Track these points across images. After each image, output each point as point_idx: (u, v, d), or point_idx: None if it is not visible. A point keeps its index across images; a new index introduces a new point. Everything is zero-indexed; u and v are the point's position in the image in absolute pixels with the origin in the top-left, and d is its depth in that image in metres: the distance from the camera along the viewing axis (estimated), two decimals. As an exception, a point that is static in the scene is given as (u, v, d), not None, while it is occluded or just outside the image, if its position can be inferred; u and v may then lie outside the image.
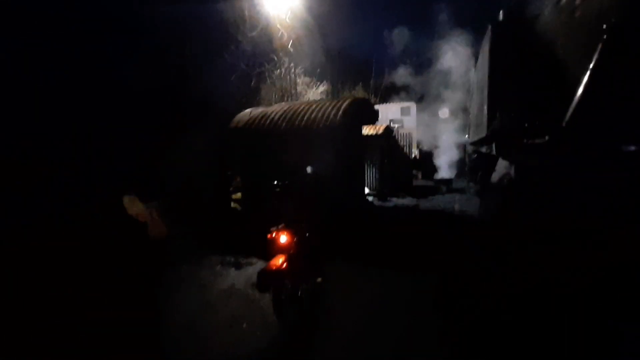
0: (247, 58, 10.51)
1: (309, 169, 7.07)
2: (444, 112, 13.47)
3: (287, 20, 10.48)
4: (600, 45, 2.69)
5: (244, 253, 5.32)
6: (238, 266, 4.90)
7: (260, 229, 4.97)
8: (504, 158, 2.81)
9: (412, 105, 15.61)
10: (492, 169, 4.48)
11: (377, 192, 10.36)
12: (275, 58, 11.34)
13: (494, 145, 3.38)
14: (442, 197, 10.40)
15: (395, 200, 9.93)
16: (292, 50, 10.94)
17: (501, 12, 4.85)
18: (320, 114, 6.73)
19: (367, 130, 10.27)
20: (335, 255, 4.34)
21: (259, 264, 4.89)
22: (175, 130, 7.84)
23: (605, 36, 2.65)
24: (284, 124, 7.00)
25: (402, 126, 15.10)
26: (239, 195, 8.39)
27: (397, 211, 8.43)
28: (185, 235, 6.06)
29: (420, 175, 13.37)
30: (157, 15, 8.39)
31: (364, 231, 6.07)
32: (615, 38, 2.60)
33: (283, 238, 3.24)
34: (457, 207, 8.71)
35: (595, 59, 2.69)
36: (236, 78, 10.25)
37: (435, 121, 13.57)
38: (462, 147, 11.68)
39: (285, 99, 11.27)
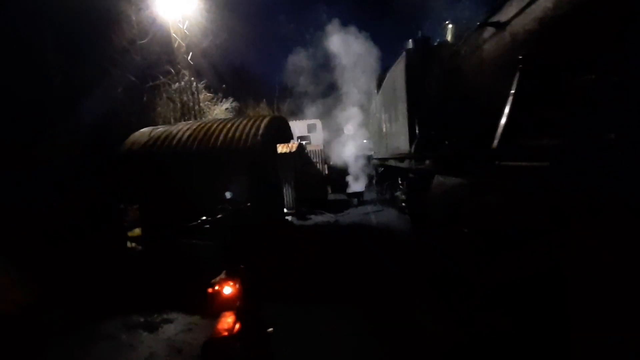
0: (136, 69, 8.99)
1: (228, 195, 6.33)
2: (348, 128, 14.29)
3: (185, 30, 9.45)
4: (518, 73, 3.01)
5: (155, 307, 4.26)
6: (152, 327, 3.85)
7: (175, 272, 4.04)
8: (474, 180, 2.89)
9: (318, 122, 16.12)
10: (421, 184, 4.74)
11: (295, 212, 10.09)
12: (173, 70, 10.06)
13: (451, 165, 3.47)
14: (356, 210, 10.82)
15: (315, 218, 9.84)
16: (192, 62, 9.86)
17: (410, 40, 5.27)
18: (238, 134, 6.12)
19: (281, 148, 9.98)
20: (272, 294, 3.81)
21: (181, 319, 3.96)
22: (40, 155, 6.02)
23: (521, 65, 2.99)
24: (195, 145, 6.11)
25: (309, 142, 15.39)
26: (137, 231, 6.95)
27: (320, 230, 8.30)
28: (65, 297, 4.56)
29: (330, 190, 13.75)
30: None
31: (294, 258, 5.68)
32: (529, 66, 2.94)
33: (228, 290, 2.60)
34: (373, 218, 9.12)
35: (516, 86, 2.99)
36: (123, 91, 8.65)
37: (340, 137, 14.27)
38: (369, 161, 12.51)
39: (188, 116, 10.08)
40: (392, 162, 8.02)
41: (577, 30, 2.34)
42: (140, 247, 6.51)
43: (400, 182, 9.11)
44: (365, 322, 3.47)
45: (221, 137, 6.19)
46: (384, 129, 8.25)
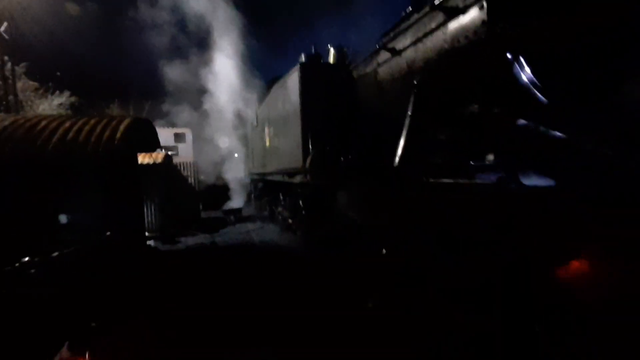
0: None
1: (63, 219, 4.74)
2: (224, 140, 13.28)
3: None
4: (412, 97, 3.24)
5: None
6: None
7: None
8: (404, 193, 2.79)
9: (188, 132, 14.40)
10: (318, 199, 4.61)
11: (160, 234, 8.48)
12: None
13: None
14: (235, 228, 9.98)
15: (186, 241, 8.50)
16: (6, 37, 6.93)
17: (303, 55, 5.22)
18: (85, 136, 4.62)
19: (142, 158, 8.30)
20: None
21: None
22: None
23: (415, 90, 3.23)
24: (9, 148, 4.25)
25: (176, 154, 13.58)
26: None
27: (194, 255, 7.15)
28: None
29: (202, 207, 12.38)
30: None
31: (164, 302, 4.37)
32: (421, 91, 3.21)
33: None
34: (255, 236, 8.56)
35: (412, 108, 3.21)
36: None
37: (214, 149, 13.11)
38: (247, 176, 11.90)
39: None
40: (277, 177, 7.76)
41: (468, 63, 2.67)
42: None
43: (282, 197, 8.93)
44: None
45: (55, 139, 4.54)
46: (268, 143, 7.95)
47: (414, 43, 3.18)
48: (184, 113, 14.76)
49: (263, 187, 10.54)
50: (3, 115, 5.27)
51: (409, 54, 3.28)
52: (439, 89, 3.08)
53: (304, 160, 4.79)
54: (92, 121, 5.07)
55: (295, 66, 4.96)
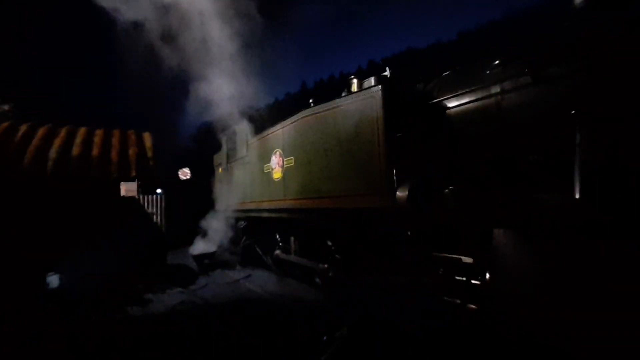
0: None
1: (54, 281, 3.28)
2: (184, 172, 11.29)
3: None
4: (580, 129, 2.97)
5: None
6: None
7: None
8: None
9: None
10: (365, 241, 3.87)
11: (122, 291, 6.37)
12: None
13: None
14: (214, 278, 8.14)
15: (160, 299, 6.50)
16: None
17: (373, 78, 4.74)
18: (98, 152, 3.13)
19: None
20: None
21: None
22: None
23: (580, 120, 2.97)
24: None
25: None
26: None
27: (186, 328, 5.37)
28: None
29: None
30: None
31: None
32: (587, 122, 2.96)
33: None
34: (254, 288, 7.06)
35: (579, 139, 2.92)
36: None
37: (176, 181, 11.01)
38: (219, 213, 10.18)
39: None
40: (273, 215, 6.72)
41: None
42: None
43: (280, 238, 7.72)
44: None
45: (53, 154, 2.96)
46: (278, 175, 6.92)
47: (578, 71, 2.99)
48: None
49: (246, 227, 9.06)
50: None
51: (568, 82, 3.06)
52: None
53: (389, 194, 4.09)
54: (99, 131, 3.57)
55: (374, 87, 4.40)
